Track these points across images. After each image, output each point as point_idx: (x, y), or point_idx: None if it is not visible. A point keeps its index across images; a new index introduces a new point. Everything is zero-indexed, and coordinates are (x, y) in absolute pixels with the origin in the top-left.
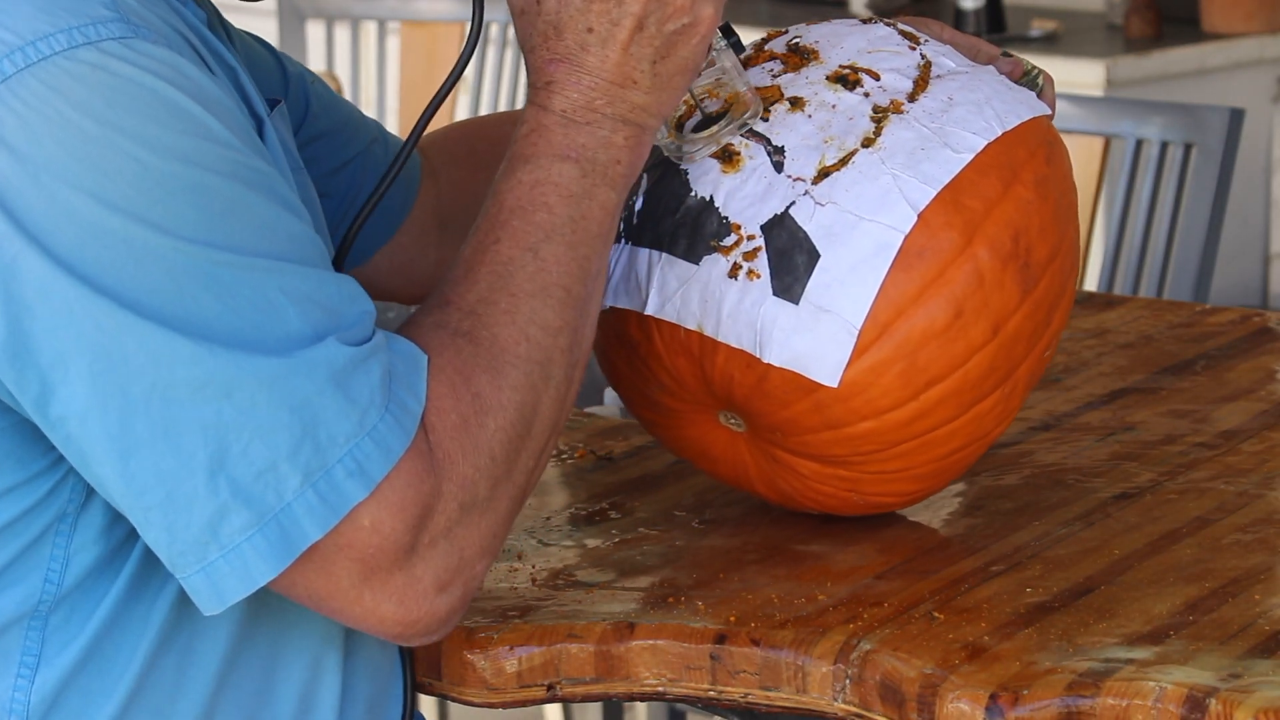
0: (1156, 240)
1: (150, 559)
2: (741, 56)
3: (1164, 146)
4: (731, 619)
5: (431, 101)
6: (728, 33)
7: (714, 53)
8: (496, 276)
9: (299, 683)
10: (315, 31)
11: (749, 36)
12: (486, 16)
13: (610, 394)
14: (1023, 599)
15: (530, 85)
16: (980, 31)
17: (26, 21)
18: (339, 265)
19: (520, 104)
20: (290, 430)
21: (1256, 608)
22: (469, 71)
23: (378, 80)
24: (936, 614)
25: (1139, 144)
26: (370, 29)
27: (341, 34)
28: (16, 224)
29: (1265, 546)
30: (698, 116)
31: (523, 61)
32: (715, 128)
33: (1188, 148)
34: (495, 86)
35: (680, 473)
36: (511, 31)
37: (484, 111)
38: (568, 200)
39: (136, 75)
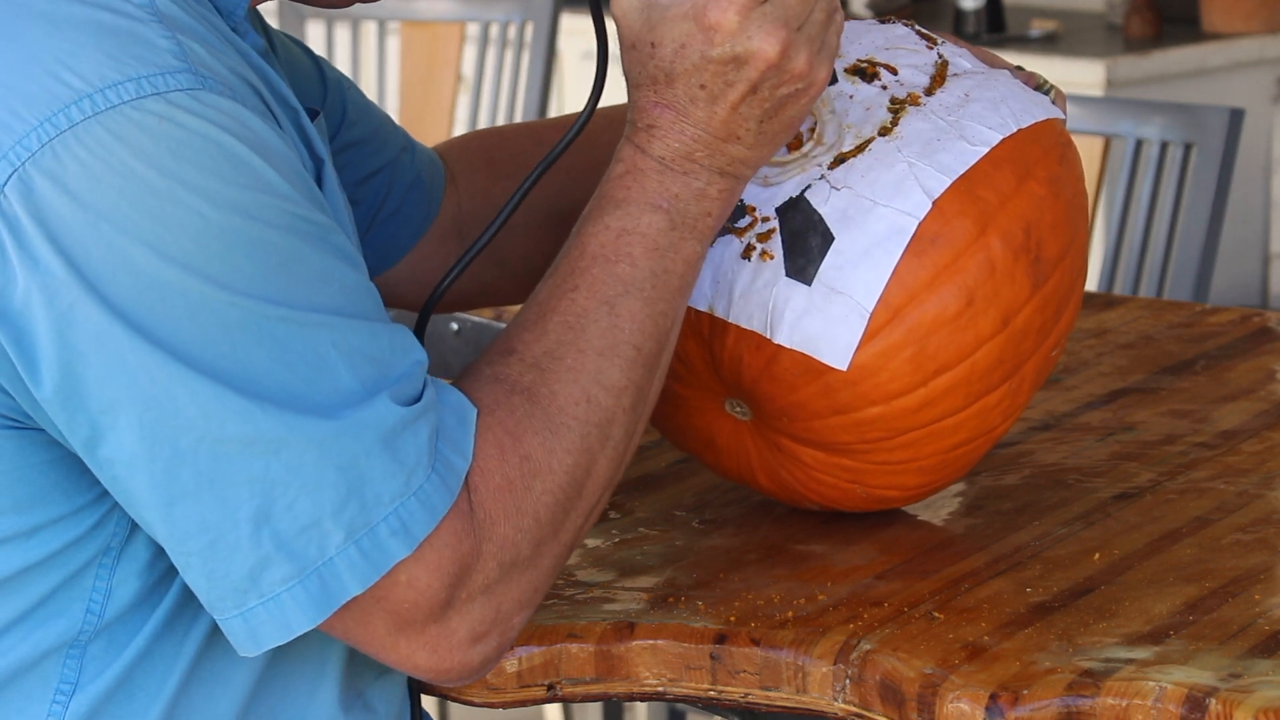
0: (1156, 240)
1: (188, 593)
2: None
3: (1164, 146)
4: (731, 619)
5: (551, 152)
6: None
7: None
8: (567, 329)
9: (326, 705)
10: (315, 31)
11: None
12: (488, 16)
13: None
14: (1023, 599)
15: (630, 121)
16: (980, 32)
17: (95, 69)
18: (426, 314)
19: (521, 104)
20: (336, 489)
21: (1256, 608)
22: (469, 71)
23: (378, 80)
24: (936, 614)
25: (1139, 144)
26: (370, 29)
27: (341, 34)
28: (76, 271)
29: (1265, 546)
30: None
31: (523, 61)
32: (796, 156)
33: (1188, 148)
34: (495, 87)
35: (680, 473)
36: (513, 31)
37: (484, 111)
38: (652, 254)
39: (202, 128)
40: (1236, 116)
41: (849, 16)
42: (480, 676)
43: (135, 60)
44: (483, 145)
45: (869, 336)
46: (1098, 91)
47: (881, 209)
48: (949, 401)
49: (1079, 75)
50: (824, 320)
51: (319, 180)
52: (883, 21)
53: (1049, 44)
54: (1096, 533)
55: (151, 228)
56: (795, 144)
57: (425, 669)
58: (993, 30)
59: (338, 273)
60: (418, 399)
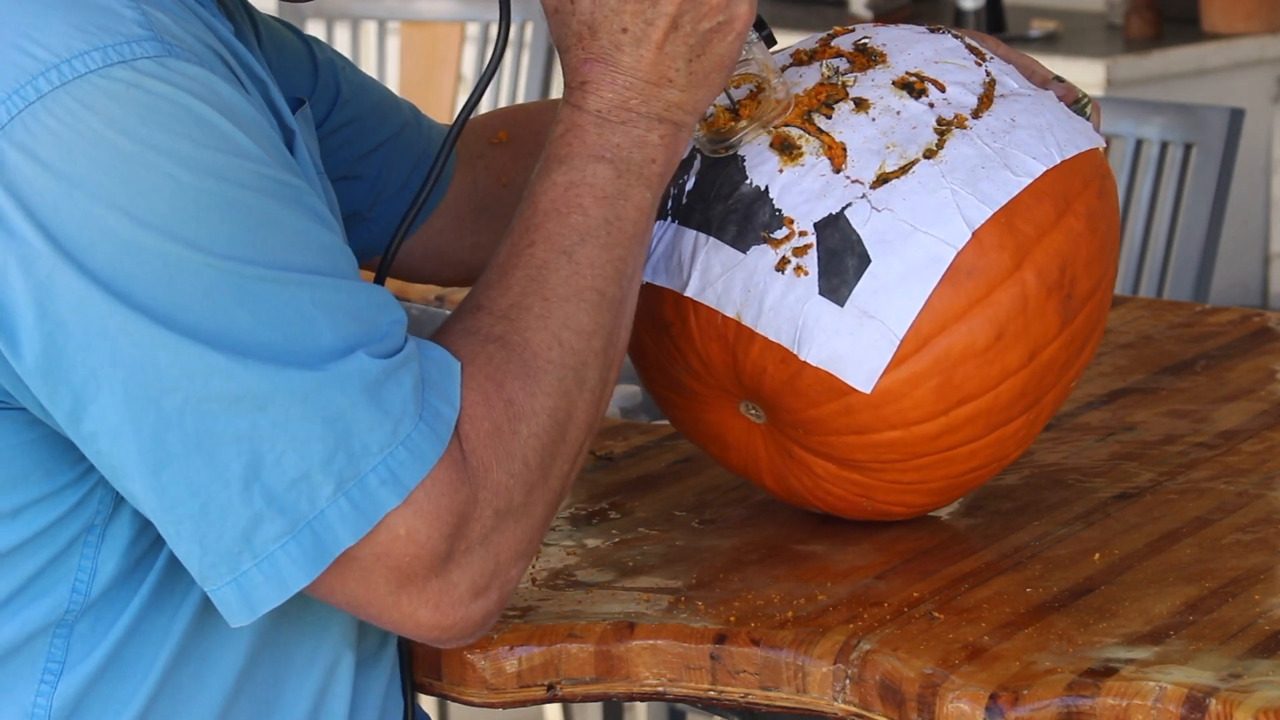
0: (1156, 240)
1: (173, 568)
2: (774, 49)
3: (1164, 146)
4: (731, 619)
5: (460, 114)
6: (759, 26)
7: (745, 45)
8: (530, 280)
9: (312, 690)
10: (315, 31)
11: None
12: (488, 16)
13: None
14: (1023, 599)
15: (565, 85)
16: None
17: (61, 39)
18: (382, 276)
19: (521, 103)
20: (324, 441)
21: (1256, 608)
22: (469, 71)
23: (378, 80)
24: (936, 614)
25: (1139, 144)
26: (370, 29)
27: (341, 34)
28: (52, 241)
29: (1265, 546)
30: (725, 102)
31: (523, 61)
32: (745, 124)
33: (1188, 148)
34: (496, 86)
35: (680, 473)
36: (513, 31)
37: (484, 110)
38: (602, 201)
39: (170, 93)
40: (1236, 116)
41: (850, 19)
42: (482, 634)
43: (101, 30)
44: (502, 123)
45: (896, 363)
46: (1098, 91)
47: (921, 235)
48: (967, 431)
49: (1079, 75)
50: (853, 343)
51: (290, 151)
52: (932, 30)
53: (1049, 44)
54: (1096, 533)
55: (125, 193)
56: (747, 109)
57: (428, 626)
58: (993, 30)
59: (314, 233)
60: (398, 353)
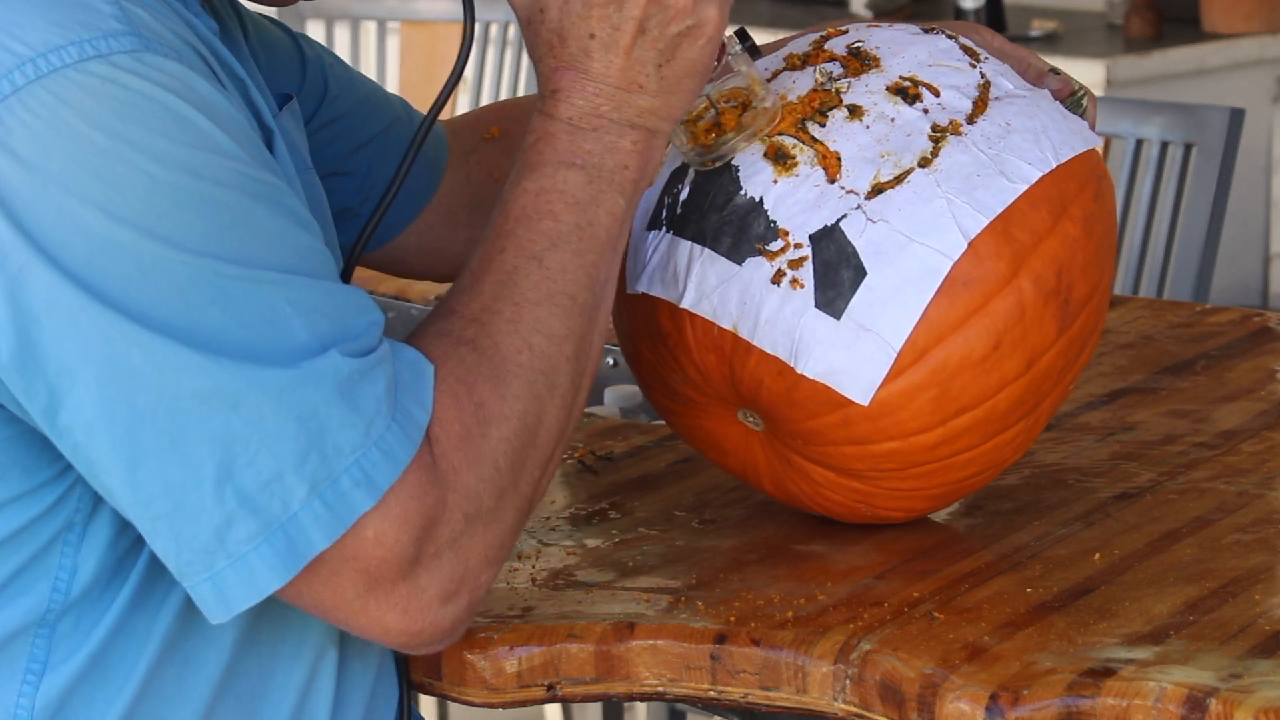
0: (1156, 240)
1: (156, 567)
2: (765, 46)
3: (1164, 146)
4: (731, 619)
5: (431, 108)
6: (743, 38)
7: (730, 57)
8: (501, 285)
9: (296, 687)
10: (315, 31)
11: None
12: (487, 16)
13: (610, 394)
14: (1023, 599)
15: (539, 94)
16: None
17: (38, 34)
18: (350, 267)
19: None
20: (297, 441)
21: (1256, 608)
22: (468, 71)
23: (377, 80)
24: (936, 614)
25: (1139, 144)
26: (370, 29)
27: (341, 34)
28: (25, 235)
29: (1265, 546)
30: (711, 116)
31: (522, 60)
32: (732, 135)
33: (1188, 148)
34: (495, 86)
35: (680, 473)
36: (511, 31)
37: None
38: (574, 207)
39: (146, 89)
40: (1236, 116)
41: (849, 17)
42: (450, 641)
43: (77, 24)
44: (495, 117)
45: (893, 375)
46: (1098, 91)
47: (916, 246)
48: (965, 440)
49: (1079, 75)
50: (850, 356)
51: (270, 151)
52: (926, 30)
53: (1049, 44)
54: (1096, 533)
55: (100, 189)
56: (731, 121)
57: (396, 631)
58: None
59: (290, 233)
60: (372, 353)
